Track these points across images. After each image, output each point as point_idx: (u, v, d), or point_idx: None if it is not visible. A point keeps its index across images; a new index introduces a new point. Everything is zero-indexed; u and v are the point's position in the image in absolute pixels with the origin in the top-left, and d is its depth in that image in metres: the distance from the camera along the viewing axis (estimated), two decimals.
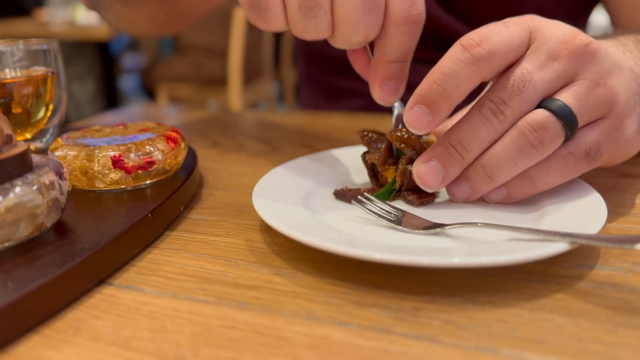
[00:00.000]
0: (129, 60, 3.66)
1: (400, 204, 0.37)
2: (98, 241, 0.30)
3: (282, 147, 0.55)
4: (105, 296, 0.29)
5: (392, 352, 0.24)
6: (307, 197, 0.38)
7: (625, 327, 0.25)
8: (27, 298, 0.26)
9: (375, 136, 0.40)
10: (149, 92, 2.89)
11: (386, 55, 0.37)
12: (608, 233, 0.34)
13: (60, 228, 0.32)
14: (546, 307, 0.26)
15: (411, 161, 0.36)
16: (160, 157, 0.38)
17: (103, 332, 0.26)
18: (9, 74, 0.42)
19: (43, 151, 0.45)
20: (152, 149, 0.38)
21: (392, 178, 0.37)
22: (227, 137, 0.59)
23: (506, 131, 0.33)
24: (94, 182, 0.37)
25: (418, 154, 0.35)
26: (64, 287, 0.28)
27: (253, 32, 2.45)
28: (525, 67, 0.33)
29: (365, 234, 0.33)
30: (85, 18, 2.74)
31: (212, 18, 2.52)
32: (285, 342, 0.25)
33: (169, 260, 0.33)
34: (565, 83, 0.33)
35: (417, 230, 0.32)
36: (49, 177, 0.31)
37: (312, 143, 0.55)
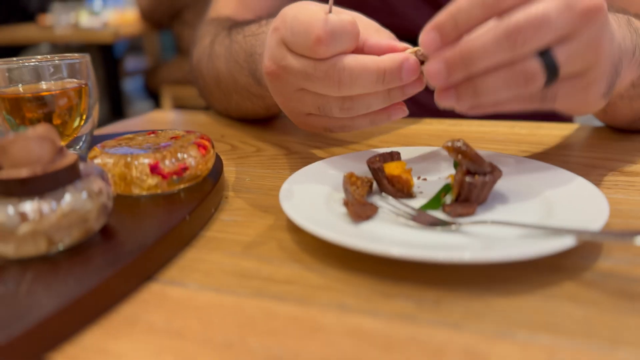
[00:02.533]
0: (131, 63, 3.69)
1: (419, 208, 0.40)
2: (145, 242, 0.33)
3: (298, 150, 0.58)
4: (153, 292, 0.32)
5: (418, 338, 0.26)
6: (329, 198, 0.40)
7: (629, 313, 0.27)
8: (87, 295, 0.28)
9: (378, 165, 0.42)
10: (152, 94, 2.91)
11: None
12: (611, 228, 0.36)
13: (106, 231, 0.35)
14: (556, 296, 0.29)
15: (468, 172, 0.38)
16: (193, 163, 0.41)
17: (156, 324, 0.29)
18: (49, 88, 0.45)
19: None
20: (185, 155, 0.40)
21: (443, 187, 0.39)
22: (245, 142, 0.62)
23: (508, 60, 0.35)
24: (131, 188, 0.40)
25: (474, 164, 0.37)
26: (117, 284, 0.30)
27: None
28: (547, 8, 0.34)
29: (386, 230, 0.35)
30: (89, 21, 2.77)
31: None
32: (321, 330, 0.27)
33: (207, 258, 0.35)
34: (569, 33, 0.35)
35: (433, 227, 0.35)
36: (97, 184, 0.33)
37: (327, 147, 0.58)
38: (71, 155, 0.33)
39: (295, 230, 0.38)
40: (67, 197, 0.32)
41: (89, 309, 0.29)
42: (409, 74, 0.40)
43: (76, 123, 0.47)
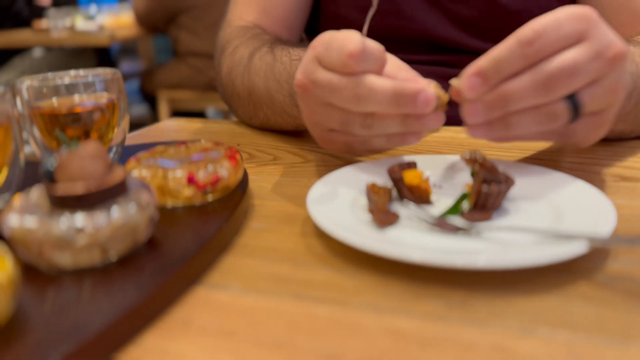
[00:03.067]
0: (126, 65, 3.70)
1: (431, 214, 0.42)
2: (190, 250, 0.36)
3: (313, 158, 0.60)
4: (200, 296, 0.34)
5: (450, 336, 0.29)
6: (353, 205, 0.43)
7: (637, 312, 0.30)
8: (145, 300, 0.31)
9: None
10: (148, 98, 2.93)
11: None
12: (618, 233, 0.39)
13: (151, 241, 0.37)
14: (571, 295, 0.32)
15: (485, 181, 0.41)
16: (225, 174, 0.43)
17: (209, 326, 0.31)
18: (84, 103, 0.47)
19: None
20: (219, 167, 0.43)
21: (461, 196, 0.42)
22: (261, 150, 0.64)
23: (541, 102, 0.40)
24: (166, 199, 0.42)
25: (490, 174, 0.41)
26: (169, 289, 0.33)
27: None
28: (579, 59, 0.39)
29: (411, 236, 0.38)
30: (85, 25, 2.78)
31: (212, 23, 2.57)
32: (361, 330, 0.30)
33: (244, 263, 0.38)
34: (596, 78, 0.40)
35: (455, 233, 0.38)
36: (144, 196, 0.36)
37: (342, 155, 0.61)
38: (120, 170, 0.36)
39: (323, 236, 0.41)
40: (119, 210, 0.34)
41: (147, 313, 0.31)
42: (423, 103, 0.42)
43: (109, 136, 0.49)
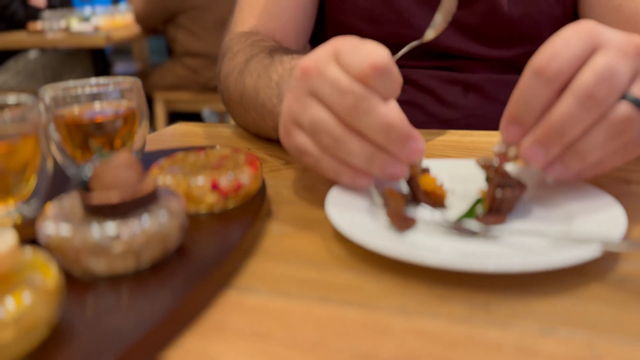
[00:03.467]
0: (120, 67, 3.70)
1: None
2: (220, 254, 0.37)
3: None
4: (231, 299, 0.36)
5: (476, 337, 0.31)
6: (370, 209, 0.44)
7: None
8: (182, 304, 0.32)
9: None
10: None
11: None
12: (627, 236, 0.41)
13: (180, 247, 0.39)
14: (587, 297, 0.34)
15: (499, 186, 0.42)
16: (247, 181, 0.45)
17: (243, 328, 0.33)
18: (108, 112, 0.48)
19: None
20: (240, 174, 0.44)
21: (476, 200, 0.43)
22: (272, 154, 0.66)
23: (599, 116, 0.38)
24: (190, 206, 0.44)
25: (504, 180, 0.42)
26: (203, 293, 0.34)
27: None
28: (608, 60, 0.38)
29: (430, 240, 0.40)
30: (80, 27, 2.78)
31: (211, 24, 2.58)
32: (389, 332, 0.32)
33: (269, 267, 0.39)
34: (634, 76, 0.39)
35: (472, 236, 0.39)
36: (174, 204, 0.37)
37: None
38: (151, 179, 0.37)
39: (343, 240, 0.42)
40: (152, 218, 0.35)
41: (184, 316, 0.33)
42: (412, 149, 0.42)
43: (131, 143, 0.50)
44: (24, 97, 0.42)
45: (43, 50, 2.88)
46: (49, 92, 0.48)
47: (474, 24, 0.79)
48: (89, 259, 0.34)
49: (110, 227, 0.34)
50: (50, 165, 0.43)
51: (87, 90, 0.49)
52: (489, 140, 0.68)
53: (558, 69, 0.38)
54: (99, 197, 0.35)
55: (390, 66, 0.41)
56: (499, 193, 0.42)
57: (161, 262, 0.37)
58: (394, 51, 0.83)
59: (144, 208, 0.36)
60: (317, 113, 0.43)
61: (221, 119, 3.23)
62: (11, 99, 0.42)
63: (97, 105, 0.50)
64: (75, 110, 0.49)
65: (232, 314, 0.34)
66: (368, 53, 0.41)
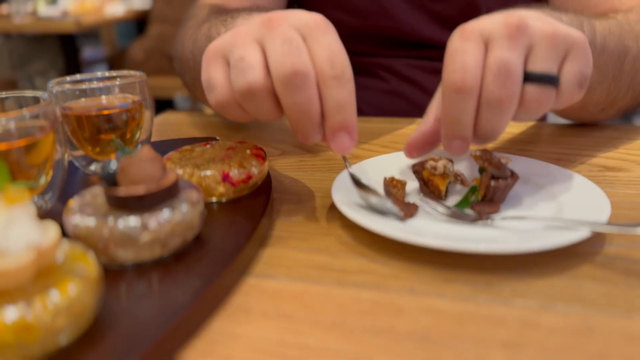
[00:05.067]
0: (89, 52, 3.63)
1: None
2: (239, 242, 0.39)
3: (320, 152, 0.64)
4: (251, 284, 0.38)
5: (481, 313, 0.34)
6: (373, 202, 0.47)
7: (635, 286, 0.36)
8: (209, 289, 0.35)
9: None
10: None
11: (328, 110, 0.41)
12: (613, 221, 0.45)
13: (198, 236, 0.41)
14: (579, 276, 0.37)
15: (492, 177, 0.45)
16: (256, 172, 0.47)
17: (267, 311, 0.35)
18: (116, 106, 0.50)
19: None
20: (249, 165, 0.46)
21: (470, 188, 0.46)
22: (268, 145, 0.68)
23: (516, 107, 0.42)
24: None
25: (498, 170, 0.45)
26: (227, 278, 0.37)
27: None
28: (499, 56, 0.40)
29: (431, 225, 0.43)
30: (47, 11, 2.73)
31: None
32: (403, 311, 0.35)
33: (282, 253, 0.42)
34: (527, 50, 0.42)
35: (470, 222, 0.43)
36: (194, 194, 0.39)
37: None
38: (172, 172, 0.39)
39: (350, 227, 0.45)
40: (176, 208, 0.37)
41: (212, 300, 0.35)
42: (340, 144, 0.42)
43: (137, 135, 0.52)
44: (40, 93, 0.43)
45: (8, 35, 2.81)
46: (56, 87, 0.49)
47: (452, 17, 0.82)
48: (116, 248, 0.36)
49: (138, 218, 0.36)
50: (66, 158, 0.44)
51: (95, 84, 0.50)
52: None
53: (472, 80, 0.41)
54: (126, 190, 0.36)
55: (349, 84, 0.40)
56: (493, 183, 0.45)
57: (183, 250, 0.39)
58: (376, 43, 0.85)
59: (168, 199, 0.38)
60: (251, 56, 0.40)
61: (193, 104, 3.21)
62: (28, 94, 0.43)
63: (104, 99, 0.51)
64: (84, 104, 0.50)
65: (254, 298, 0.36)
66: (338, 59, 0.40)
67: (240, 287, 0.38)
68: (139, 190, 0.37)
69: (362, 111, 0.85)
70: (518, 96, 0.42)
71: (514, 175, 0.46)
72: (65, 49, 2.83)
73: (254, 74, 0.40)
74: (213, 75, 0.42)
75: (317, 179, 0.56)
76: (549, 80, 0.41)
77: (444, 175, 0.47)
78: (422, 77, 0.84)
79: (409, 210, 0.44)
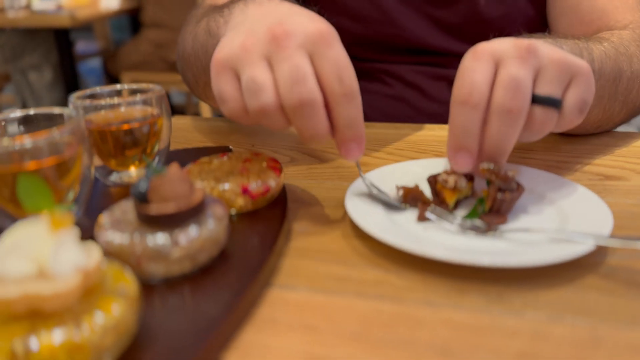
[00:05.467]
0: (82, 45, 3.62)
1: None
2: (263, 254, 0.41)
3: (329, 159, 0.66)
4: (275, 295, 0.40)
5: (495, 324, 0.36)
6: (386, 207, 0.49)
7: (637, 297, 0.38)
8: (240, 301, 0.37)
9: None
10: (113, 79, 2.90)
11: (338, 125, 0.44)
12: (616, 234, 0.47)
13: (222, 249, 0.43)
14: (584, 286, 0.40)
15: (499, 189, 0.47)
16: (273, 184, 0.49)
17: (292, 321, 0.37)
18: (136, 119, 0.52)
19: None
20: (267, 178, 0.48)
21: (478, 200, 0.48)
22: (277, 151, 0.70)
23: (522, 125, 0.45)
24: None
25: (504, 183, 0.47)
26: (253, 290, 0.39)
27: None
28: (509, 72, 0.44)
29: (444, 237, 0.45)
30: (41, 5, 2.72)
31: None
32: (422, 323, 0.37)
33: (301, 264, 0.44)
34: (535, 73, 0.45)
35: (481, 234, 0.45)
36: (220, 210, 0.41)
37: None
38: (199, 189, 0.41)
39: (364, 237, 0.47)
40: (204, 224, 0.39)
41: (241, 312, 0.37)
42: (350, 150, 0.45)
43: (156, 147, 0.54)
44: (66, 110, 0.45)
45: (1, 29, 2.80)
46: (77, 101, 0.51)
47: (455, 24, 0.84)
48: (148, 264, 0.38)
49: (169, 235, 0.38)
50: (92, 173, 0.46)
51: (116, 101, 0.52)
52: None
53: (479, 95, 0.44)
54: (158, 208, 0.38)
55: (357, 99, 0.43)
56: (499, 195, 0.47)
57: (209, 264, 0.41)
58: (379, 49, 0.87)
59: (196, 216, 0.40)
60: (260, 77, 0.42)
61: (188, 99, 3.22)
62: (56, 110, 0.45)
63: (124, 111, 0.52)
64: (104, 115, 0.52)
65: (279, 310, 0.38)
66: (346, 74, 0.42)
67: (265, 299, 0.40)
68: (170, 208, 0.38)
69: (366, 115, 0.86)
70: (527, 110, 0.45)
71: (519, 188, 0.48)
72: (59, 42, 2.82)
73: (266, 97, 0.42)
74: (224, 88, 0.44)
75: (328, 188, 0.58)
76: (554, 104, 0.44)
77: (455, 190, 0.49)
78: (426, 83, 0.86)
79: (423, 216, 0.47)
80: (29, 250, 0.30)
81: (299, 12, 0.46)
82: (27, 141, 0.40)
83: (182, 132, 0.80)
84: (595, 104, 0.60)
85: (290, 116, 0.43)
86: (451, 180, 0.49)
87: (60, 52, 2.82)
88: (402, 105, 0.87)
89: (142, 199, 0.39)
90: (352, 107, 0.43)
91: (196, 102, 3.12)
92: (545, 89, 0.45)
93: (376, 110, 0.87)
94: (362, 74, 0.87)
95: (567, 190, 0.51)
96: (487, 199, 0.48)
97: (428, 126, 0.78)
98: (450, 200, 0.49)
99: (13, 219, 0.44)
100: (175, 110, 3.45)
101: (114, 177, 0.55)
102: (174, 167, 0.40)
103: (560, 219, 0.47)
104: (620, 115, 0.65)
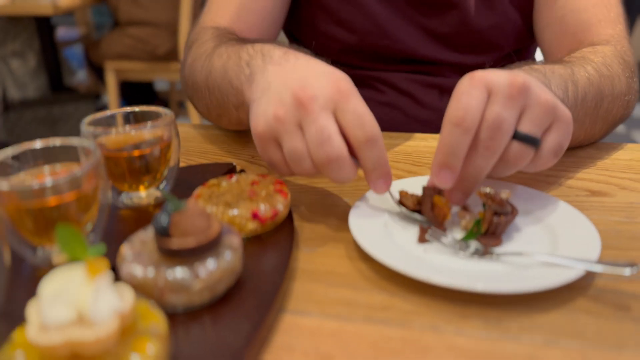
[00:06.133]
0: (63, 32, 3.57)
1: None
2: (276, 280, 0.44)
3: None
4: (288, 322, 0.43)
5: (495, 349, 0.39)
6: (389, 227, 0.52)
7: (626, 321, 0.42)
8: (258, 330, 0.39)
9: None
10: (95, 68, 2.88)
11: (366, 167, 0.50)
12: (604, 260, 0.50)
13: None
14: (574, 309, 0.43)
15: (495, 213, 0.50)
16: (281, 208, 0.51)
17: (308, 349, 0.40)
18: (147, 143, 0.54)
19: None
20: (275, 202, 0.51)
21: (475, 222, 0.51)
22: None
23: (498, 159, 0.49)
24: None
25: (500, 207, 0.50)
26: (270, 317, 0.41)
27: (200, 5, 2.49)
28: (496, 111, 0.47)
29: (444, 260, 0.48)
30: None
31: None
32: (428, 348, 0.40)
33: (311, 288, 0.46)
34: (521, 111, 0.49)
35: (478, 257, 0.48)
36: (235, 241, 0.44)
37: None
38: (216, 223, 0.43)
39: (368, 259, 0.50)
40: (223, 257, 0.42)
41: (260, 341, 0.40)
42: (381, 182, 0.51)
43: (166, 170, 0.56)
44: (86, 142, 0.47)
45: None
46: (91, 129, 0.53)
47: (446, 34, 0.86)
48: (170, 296, 0.41)
49: (190, 268, 0.40)
50: (109, 201, 0.48)
51: (127, 129, 0.54)
52: None
53: (472, 120, 0.47)
54: (179, 243, 0.41)
55: (379, 141, 0.49)
56: (495, 219, 0.50)
57: (226, 292, 0.43)
58: (373, 58, 0.89)
59: (215, 249, 0.42)
60: (298, 147, 0.49)
61: (172, 87, 3.20)
62: (75, 142, 0.47)
63: (135, 137, 0.54)
64: (115, 141, 0.54)
65: (294, 337, 0.41)
66: (366, 122, 0.48)
67: (280, 325, 0.42)
68: (191, 242, 0.41)
69: None
70: (504, 147, 0.48)
71: (514, 211, 0.51)
72: (41, 29, 2.79)
73: (306, 164, 0.50)
74: (273, 158, 0.53)
75: (330, 205, 0.60)
76: (532, 142, 0.48)
77: (449, 207, 0.52)
78: (418, 91, 0.88)
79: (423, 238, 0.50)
80: (69, 298, 0.32)
81: (316, 70, 0.52)
82: (48, 180, 0.42)
83: (183, 141, 0.82)
84: (577, 127, 0.63)
85: (321, 170, 0.50)
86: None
87: (42, 39, 2.79)
88: (395, 112, 0.90)
89: (164, 233, 0.41)
90: (375, 150, 0.49)
91: (179, 89, 3.11)
92: (527, 128, 0.48)
93: None
94: (356, 81, 0.88)
95: (557, 211, 0.54)
96: (484, 221, 0.51)
97: (420, 136, 0.80)
98: (443, 219, 0.53)
99: (33, 248, 0.46)
100: (159, 97, 3.43)
101: (124, 198, 0.56)
102: (193, 202, 0.42)
103: (550, 241, 0.50)
104: (600, 132, 0.70)
